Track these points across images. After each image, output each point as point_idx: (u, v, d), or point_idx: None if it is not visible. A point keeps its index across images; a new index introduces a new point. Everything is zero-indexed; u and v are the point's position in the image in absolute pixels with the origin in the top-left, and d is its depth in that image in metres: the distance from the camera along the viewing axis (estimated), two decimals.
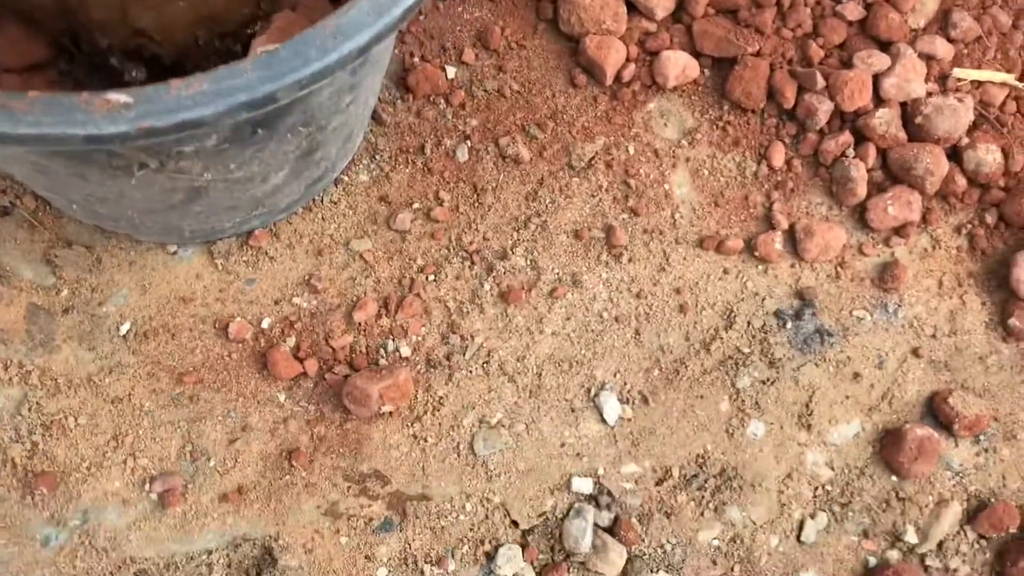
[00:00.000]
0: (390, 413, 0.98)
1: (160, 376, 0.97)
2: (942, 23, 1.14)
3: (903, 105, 1.10)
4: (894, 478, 1.04)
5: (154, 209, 0.86)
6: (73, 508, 0.93)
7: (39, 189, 0.92)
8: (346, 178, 1.04)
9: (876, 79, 1.09)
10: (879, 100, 1.09)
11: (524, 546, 0.99)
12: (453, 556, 0.97)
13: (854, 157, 1.09)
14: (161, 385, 0.97)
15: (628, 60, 1.10)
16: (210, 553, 0.95)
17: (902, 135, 1.09)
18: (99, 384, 0.96)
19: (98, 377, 0.96)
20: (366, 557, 0.96)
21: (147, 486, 0.95)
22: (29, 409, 0.94)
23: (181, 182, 0.79)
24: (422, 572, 0.97)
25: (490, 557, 0.98)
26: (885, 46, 1.11)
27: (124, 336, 0.98)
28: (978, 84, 1.13)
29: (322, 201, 1.03)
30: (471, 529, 0.98)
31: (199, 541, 0.95)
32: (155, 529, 0.94)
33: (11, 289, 0.96)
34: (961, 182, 1.10)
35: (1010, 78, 1.13)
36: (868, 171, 1.09)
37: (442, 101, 1.08)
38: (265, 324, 1.00)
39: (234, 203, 0.89)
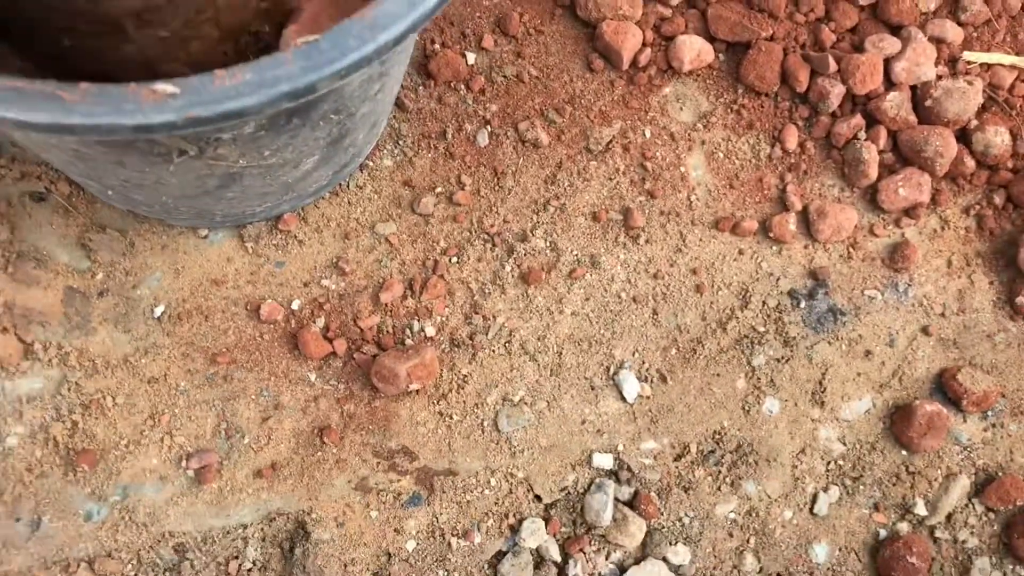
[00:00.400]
0: (417, 391, 1.01)
1: (194, 357, 1.00)
2: (952, 6, 1.16)
3: (913, 88, 1.12)
4: (904, 453, 1.07)
5: (189, 194, 0.89)
6: (113, 484, 0.96)
7: (75, 175, 0.94)
8: (371, 163, 1.07)
9: (887, 63, 1.11)
10: (890, 83, 1.11)
11: (547, 519, 1.02)
12: (479, 529, 1.01)
13: (865, 139, 1.12)
14: (195, 365, 1.00)
15: (644, 45, 1.12)
16: (246, 527, 0.98)
17: (912, 118, 1.11)
18: (135, 365, 0.99)
19: (134, 358, 0.99)
20: (395, 530, 1.00)
21: (184, 463, 0.98)
22: (68, 389, 0.97)
23: (218, 168, 0.82)
24: (449, 544, 1.00)
25: (514, 530, 1.01)
26: (896, 30, 1.13)
27: (158, 318, 1.00)
28: (987, 67, 1.15)
29: (348, 186, 1.06)
30: (496, 503, 1.02)
31: (235, 516, 0.98)
32: (192, 504, 0.97)
33: (48, 273, 0.99)
34: (970, 164, 1.12)
35: (1019, 61, 1.14)
36: (879, 153, 1.12)
37: (463, 87, 1.10)
38: (295, 305, 1.02)
39: (266, 188, 0.92)
